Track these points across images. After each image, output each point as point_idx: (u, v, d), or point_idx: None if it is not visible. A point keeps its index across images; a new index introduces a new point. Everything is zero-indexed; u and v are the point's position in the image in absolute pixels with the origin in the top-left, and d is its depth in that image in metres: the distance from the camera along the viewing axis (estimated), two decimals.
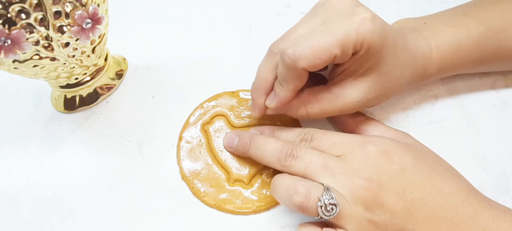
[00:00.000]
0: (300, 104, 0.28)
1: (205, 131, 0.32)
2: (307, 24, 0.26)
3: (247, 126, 0.32)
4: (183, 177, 0.30)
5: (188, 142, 0.31)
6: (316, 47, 0.24)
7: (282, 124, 0.32)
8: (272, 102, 0.28)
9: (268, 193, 0.29)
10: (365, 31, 0.24)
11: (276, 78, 0.27)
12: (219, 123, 0.32)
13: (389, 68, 0.27)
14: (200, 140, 0.31)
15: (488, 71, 0.34)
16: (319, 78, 0.31)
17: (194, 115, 0.33)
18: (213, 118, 0.33)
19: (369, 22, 0.24)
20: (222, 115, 0.33)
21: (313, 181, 0.24)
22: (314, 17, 0.26)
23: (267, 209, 0.29)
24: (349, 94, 0.27)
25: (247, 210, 0.28)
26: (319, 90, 0.28)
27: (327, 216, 0.23)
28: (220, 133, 0.32)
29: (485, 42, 0.30)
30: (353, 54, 0.25)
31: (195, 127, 0.32)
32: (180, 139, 0.32)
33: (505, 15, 0.30)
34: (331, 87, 0.27)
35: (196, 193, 0.29)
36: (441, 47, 0.29)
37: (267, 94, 0.28)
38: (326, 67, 0.30)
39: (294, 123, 0.32)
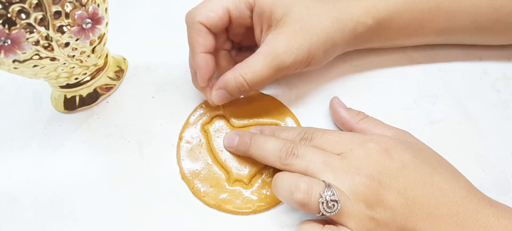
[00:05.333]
0: (236, 74, 0.29)
1: (205, 131, 0.32)
2: None
3: (247, 126, 0.32)
4: (183, 177, 0.30)
5: (188, 142, 0.31)
6: (209, 3, 0.29)
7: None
8: (198, 76, 0.30)
9: (268, 193, 0.29)
10: None
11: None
12: (219, 123, 0.32)
13: (300, 17, 0.29)
14: (200, 140, 0.31)
15: (438, 42, 0.35)
16: None
17: (194, 115, 0.33)
18: (213, 118, 0.33)
19: None
20: (222, 115, 0.33)
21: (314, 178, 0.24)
22: None
23: (267, 209, 0.29)
24: (273, 48, 0.28)
25: (247, 210, 0.28)
26: (247, 56, 0.29)
27: (328, 212, 0.23)
28: (220, 133, 0.32)
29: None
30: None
31: (195, 127, 0.32)
32: (180, 139, 0.32)
33: None
34: (256, 50, 0.29)
35: (196, 193, 0.29)
36: None
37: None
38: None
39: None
